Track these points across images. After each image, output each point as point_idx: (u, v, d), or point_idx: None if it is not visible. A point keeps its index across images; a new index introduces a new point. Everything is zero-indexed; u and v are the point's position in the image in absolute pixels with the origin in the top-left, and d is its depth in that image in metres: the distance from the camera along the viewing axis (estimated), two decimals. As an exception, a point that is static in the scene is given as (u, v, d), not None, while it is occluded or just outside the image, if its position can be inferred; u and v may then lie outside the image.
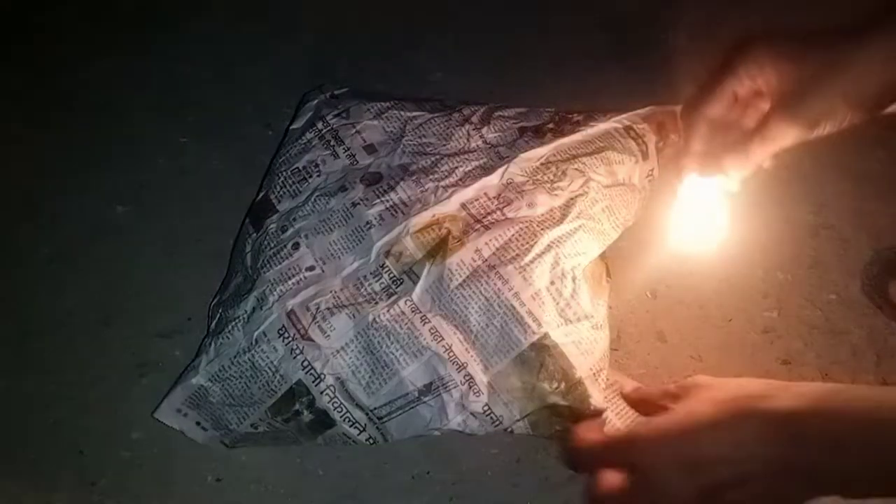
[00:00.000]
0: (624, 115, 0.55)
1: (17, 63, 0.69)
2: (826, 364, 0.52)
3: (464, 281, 0.47)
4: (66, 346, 0.52)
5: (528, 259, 0.47)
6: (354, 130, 0.56)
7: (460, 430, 0.46)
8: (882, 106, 0.41)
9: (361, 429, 0.46)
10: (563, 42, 0.72)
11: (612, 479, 0.42)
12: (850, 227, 0.59)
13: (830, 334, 0.53)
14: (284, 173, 0.54)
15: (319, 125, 0.56)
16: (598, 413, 0.45)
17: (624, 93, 0.68)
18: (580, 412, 0.45)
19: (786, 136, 0.42)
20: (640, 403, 0.48)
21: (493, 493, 0.46)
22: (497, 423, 0.45)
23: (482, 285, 0.47)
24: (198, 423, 0.48)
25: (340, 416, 0.46)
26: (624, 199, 0.52)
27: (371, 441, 0.46)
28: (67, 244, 0.57)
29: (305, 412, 0.46)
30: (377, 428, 0.46)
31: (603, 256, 0.51)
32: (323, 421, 0.46)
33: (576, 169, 0.52)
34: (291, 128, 0.58)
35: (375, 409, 0.46)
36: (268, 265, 0.50)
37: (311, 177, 0.54)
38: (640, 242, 0.57)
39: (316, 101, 0.59)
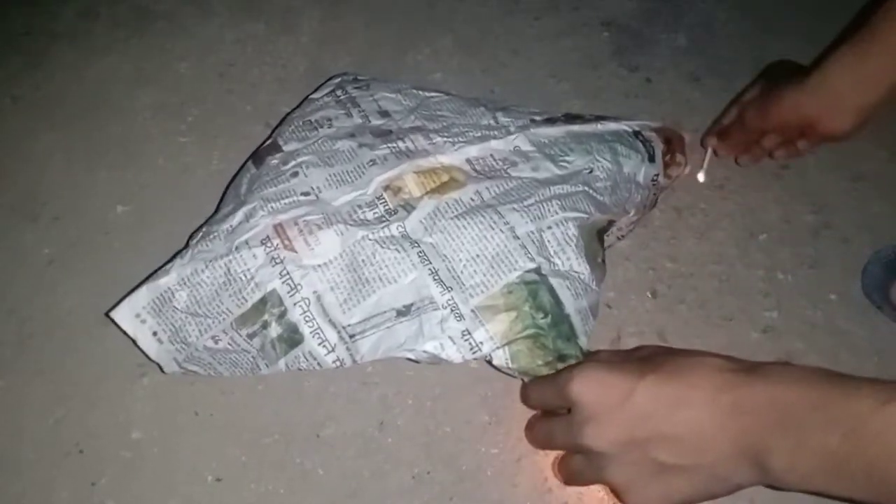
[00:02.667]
0: (634, 122, 0.56)
1: (17, 63, 0.69)
2: (826, 364, 0.51)
3: (459, 214, 0.47)
4: (66, 346, 0.52)
5: (527, 203, 0.48)
6: (372, 98, 0.57)
7: (435, 354, 0.45)
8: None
9: (330, 349, 0.45)
10: (564, 42, 0.72)
11: (548, 415, 0.44)
12: (850, 227, 0.59)
13: (831, 334, 0.53)
14: (296, 122, 0.55)
15: (338, 92, 0.58)
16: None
17: (624, 93, 0.68)
18: (563, 350, 0.45)
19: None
20: None
21: (493, 493, 0.46)
22: (475, 349, 0.45)
23: (478, 218, 0.47)
24: (154, 334, 0.46)
25: (310, 332, 0.45)
26: (627, 187, 0.53)
27: (337, 363, 0.45)
28: (68, 244, 0.57)
29: (274, 325, 0.45)
30: (347, 348, 0.45)
31: (601, 242, 0.51)
32: (291, 337, 0.45)
33: (584, 149, 0.53)
34: (311, 96, 0.59)
35: (348, 326, 0.45)
36: (263, 188, 0.49)
37: (321, 127, 0.54)
38: (640, 243, 0.57)
39: (339, 79, 0.61)
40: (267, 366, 0.46)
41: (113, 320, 0.47)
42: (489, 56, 0.70)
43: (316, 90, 0.60)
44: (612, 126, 0.55)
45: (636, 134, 0.55)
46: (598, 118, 0.57)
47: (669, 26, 0.73)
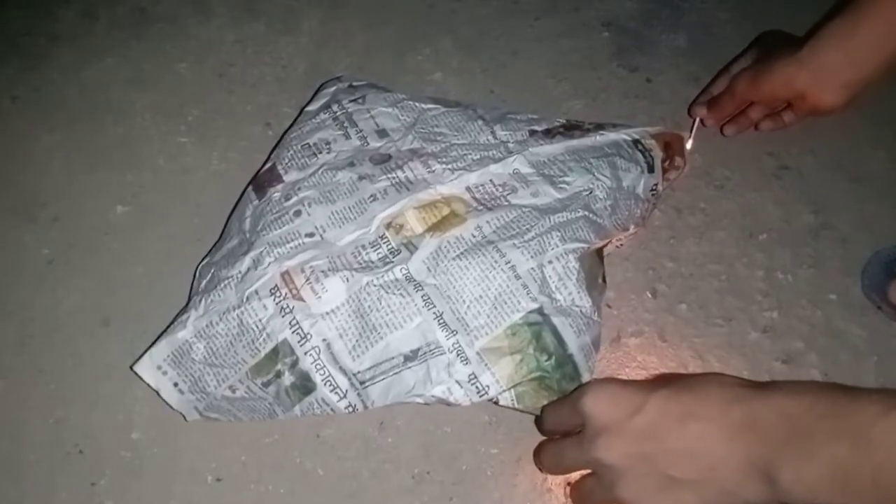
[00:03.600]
0: (633, 129, 0.56)
1: (17, 64, 0.69)
2: (826, 364, 0.52)
3: (461, 253, 0.47)
4: (66, 346, 0.52)
5: (528, 237, 0.48)
6: (368, 115, 0.57)
7: (444, 398, 0.45)
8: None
9: (342, 395, 0.46)
10: (563, 42, 0.72)
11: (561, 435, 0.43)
12: (850, 227, 0.59)
13: (830, 334, 0.53)
14: (294, 147, 0.55)
15: (335, 107, 0.58)
16: None
17: (624, 93, 0.68)
18: (567, 390, 0.45)
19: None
20: None
21: (493, 493, 0.46)
22: (482, 392, 0.45)
23: (479, 257, 0.47)
24: (175, 385, 0.47)
25: (322, 380, 0.45)
26: (627, 204, 0.52)
27: (350, 409, 0.46)
28: (67, 244, 0.57)
29: (287, 374, 0.46)
30: (358, 394, 0.46)
31: (601, 258, 0.51)
32: (304, 385, 0.46)
33: (583, 167, 0.52)
34: (307, 109, 0.59)
35: (358, 373, 0.45)
36: (268, 229, 0.50)
37: (320, 153, 0.54)
38: (640, 243, 0.57)
39: (334, 88, 0.60)
40: (283, 412, 0.47)
41: (136, 374, 0.47)
42: (489, 57, 0.71)
43: (311, 101, 0.60)
44: (611, 136, 0.55)
45: (636, 143, 0.55)
46: (598, 126, 0.56)
47: (669, 27, 0.73)
